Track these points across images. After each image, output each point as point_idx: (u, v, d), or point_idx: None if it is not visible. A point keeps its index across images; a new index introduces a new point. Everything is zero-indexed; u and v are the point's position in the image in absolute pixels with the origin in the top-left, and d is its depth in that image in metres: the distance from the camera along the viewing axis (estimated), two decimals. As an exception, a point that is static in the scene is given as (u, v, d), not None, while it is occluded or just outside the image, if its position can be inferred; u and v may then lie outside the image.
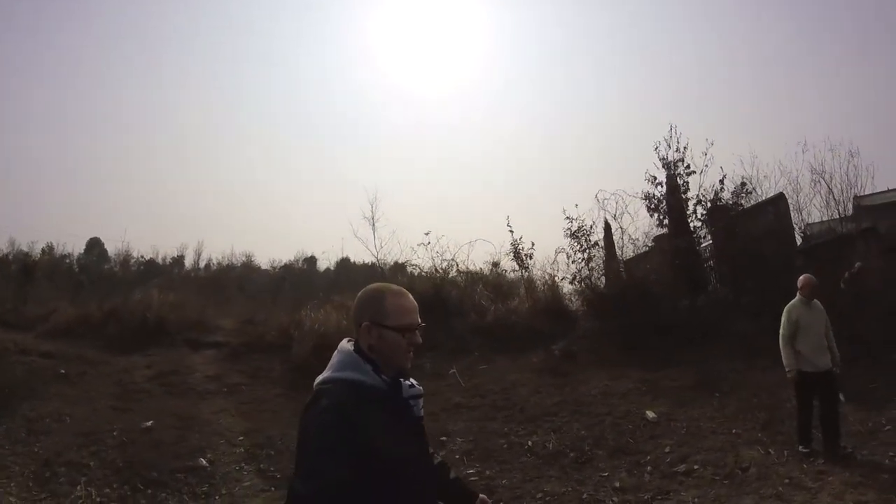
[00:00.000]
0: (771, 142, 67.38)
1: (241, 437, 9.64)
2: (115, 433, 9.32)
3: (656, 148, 15.34)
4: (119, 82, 72.74)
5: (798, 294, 8.08)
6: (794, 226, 16.12)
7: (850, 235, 14.66)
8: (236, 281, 32.92)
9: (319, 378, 2.09)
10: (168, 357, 14.31)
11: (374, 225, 17.69)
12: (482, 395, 11.17)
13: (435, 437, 8.93)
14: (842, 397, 9.67)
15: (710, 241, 15.62)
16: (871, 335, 11.58)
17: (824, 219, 16.22)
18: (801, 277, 8.14)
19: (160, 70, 76.75)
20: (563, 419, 9.78)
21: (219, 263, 36.34)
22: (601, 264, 15.52)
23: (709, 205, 15.16)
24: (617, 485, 7.46)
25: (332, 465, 1.78)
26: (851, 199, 15.80)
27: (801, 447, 7.68)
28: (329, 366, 2.10)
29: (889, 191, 50.57)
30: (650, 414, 9.53)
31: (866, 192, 15.93)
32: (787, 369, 7.85)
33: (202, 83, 78.37)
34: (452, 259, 16.99)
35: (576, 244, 14.87)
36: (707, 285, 15.31)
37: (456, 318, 14.86)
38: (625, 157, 58.75)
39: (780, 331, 7.95)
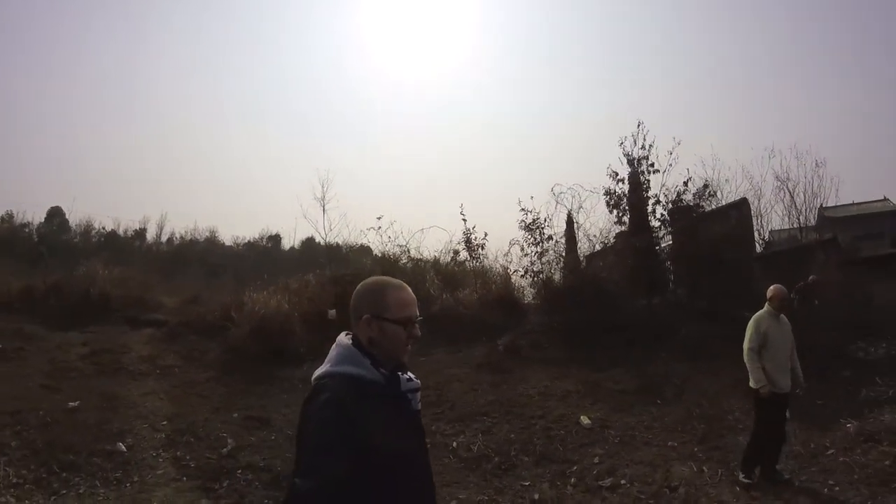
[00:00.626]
0: (737, 145, 67.82)
1: (164, 422, 9.20)
2: (40, 412, 8.90)
3: (621, 143, 14.80)
4: (97, 49, 70.96)
5: (766, 305, 7.07)
6: (756, 232, 15.73)
7: (811, 245, 14.31)
8: (199, 256, 32.06)
9: (318, 372, 2.01)
10: (106, 335, 13.82)
11: (324, 206, 17.04)
12: (413, 389, 10.48)
13: None
14: (787, 415, 9.28)
15: (670, 242, 15.15)
16: (822, 349, 11.22)
17: (785, 226, 15.83)
18: (772, 288, 7.11)
19: (140, 40, 74.73)
20: (494, 420, 9.27)
21: (181, 238, 35.60)
22: (559, 258, 14.93)
23: (670, 205, 14.68)
24: (536, 497, 6.95)
25: (332, 462, 1.74)
26: (815, 209, 15.34)
27: (741, 475, 6.93)
28: (327, 359, 2.03)
29: (854, 204, 50.99)
30: (585, 420, 8.97)
31: (829, 203, 15.50)
32: (757, 385, 6.77)
33: (182, 59, 76.53)
34: (406, 245, 16.42)
35: (530, 237, 14.31)
36: (665, 287, 14.90)
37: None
38: (591, 151, 58.31)
39: (746, 343, 6.94)
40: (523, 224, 14.25)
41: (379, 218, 15.89)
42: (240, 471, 7.47)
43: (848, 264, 14.13)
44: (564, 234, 15.77)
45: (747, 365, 6.92)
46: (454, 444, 8.43)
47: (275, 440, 8.54)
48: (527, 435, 8.66)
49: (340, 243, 18.63)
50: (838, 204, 49.89)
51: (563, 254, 14.86)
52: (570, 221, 15.88)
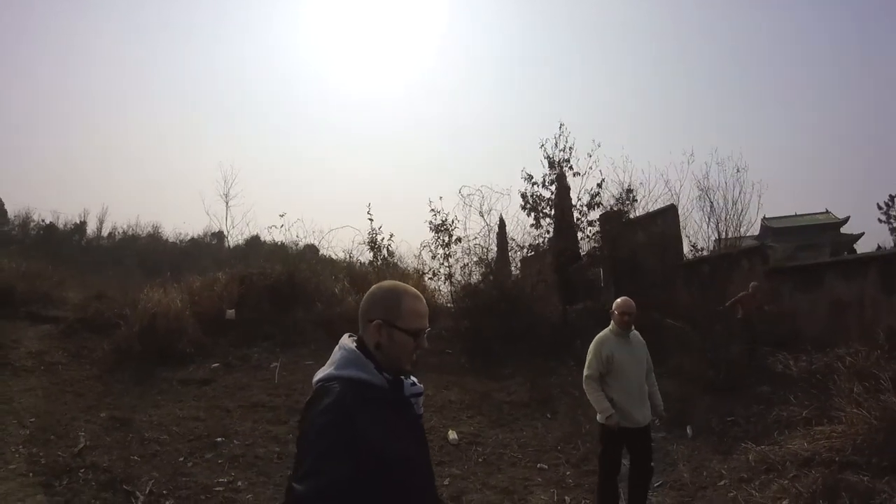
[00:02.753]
0: (657, 151, 68.15)
1: (32, 419, 8.31)
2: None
3: (542, 145, 13.90)
4: (41, 42, 68.90)
5: (612, 323, 5.41)
6: (686, 238, 14.92)
7: (735, 254, 13.46)
8: (138, 252, 30.50)
9: (321, 375, 1.90)
10: (2, 330, 12.57)
11: (227, 202, 15.96)
12: (287, 395, 9.44)
13: (211, 436, 7.68)
14: (689, 431, 8.25)
15: (594, 247, 14.38)
16: (739, 362, 10.31)
17: (705, 231, 14.98)
18: (617, 301, 5.48)
19: (78, 34, 73.08)
20: (357, 432, 7.95)
21: (123, 233, 33.66)
22: (480, 262, 13.82)
23: (585, 209, 14.06)
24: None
25: (333, 466, 1.62)
26: (736, 216, 14.50)
27: None
28: (330, 362, 1.93)
29: (797, 215, 51.31)
30: (452, 435, 7.78)
31: (749, 208, 14.59)
32: (603, 415, 5.15)
33: (123, 52, 75.02)
34: (318, 244, 15.54)
35: (438, 239, 13.24)
36: (588, 293, 13.94)
37: (302, 308, 13.08)
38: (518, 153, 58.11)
39: (585, 370, 5.34)
40: (432, 225, 13.30)
41: (282, 215, 14.91)
42: (83, 470, 6.71)
43: (774, 273, 13.22)
44: (497, 238, 15.07)
45: (588, 396, 5.29)
46: None
47: (129, 441, 7.58)
48: (383, 448, 7.43)
49: (285, 242, 17.38)
50: (782, 215, 50.91)
51: (482, 256, 13.78)
52: (502, 224, 15.10)
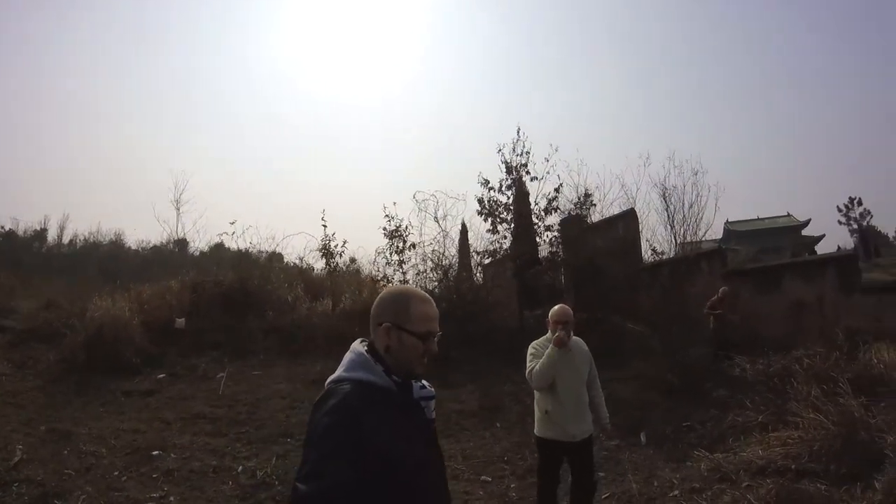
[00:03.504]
0: (613, 155, 68.91)
1: None
2: None
3: (500, 150, 13.65)
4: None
5: (549, 331, 4.86)
6: (646, 242, 14.79)
7: (694, 257, 13.28)
8: (100, 260, 29.74)
9: (331, 377, 1.88)
10: None
11: (178, 208, 15.53)
12: (230, 406, 9.07)
13: (149, 449, 7.33)
14: (643, 438, 7.98)
15: (551, 252, 14.15)
16: (697, 366, 10.09)
17: (663, 234, 14.88)
18: (554, 309, 4.88)
19: (44, 39, 71.76)
20: (297, 443, 7.59)
21: (84, 240, 32.66)
22: (437, 268, 13.50)
23: (542, 213, 13.91)
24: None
25: (337, 468, 1.59)
26: (694, 218, 14.38)
27: None
28: (340, 365, 1.90)
29: (759, 219, 52.02)
30: None
31: (706, 211, 14.48)
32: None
33: (84, 56, 73.77)
34: (274, 251, 14.91)
35: (392, 245, 12.85)
36: (549, 298, 13.70)
37: (253, 316, 12.65)
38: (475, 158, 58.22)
39: (526, 371, 4.84)
40: (386, 231, 12.89)
41: (232, 223, 14.48)
42: (16, 484, 6.46)
43: (732, 275, 13.07)
44: (459, 244, 14.96)
45: (537, 373, 4.70)
46: (240, 468, 6.98)
47: (66, 455, 7.26)
48: (327, 460, 7.08)
49: (249, 249, 16.93)
50: (745, 218, 51.54)
51: (438, 262, 13.42)
52: (464, 230, 14.83)
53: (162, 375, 10.42)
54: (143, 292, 13.67)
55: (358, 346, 1.95)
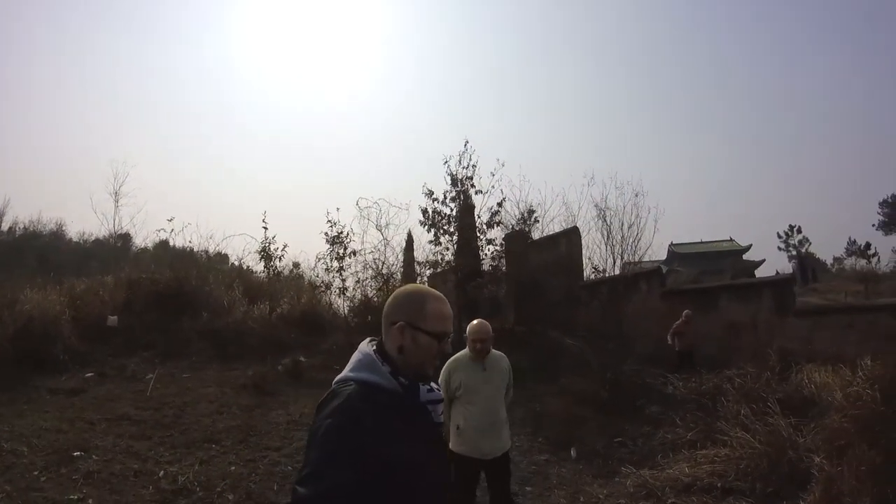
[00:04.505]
0: (556, 173, 69.92)
1: None
2: None
3: (446, 162, 13.67)
4: None
5: (467, 347, 4.69)
6: (587, 259, 14.94)
7: (634, 276, 13.44)
8: (39, 251, 28.82)
9: (337, 377, 1.87)
10: None
11: (116, 200, 15.08)
12: (156, 409, 8.77)
13: (71, 450, 7.08)
14: (573, 453, 7.98)
15: (492, 266, 14.17)
16: (630, 382, 10.32)
17: (603, 252, 15.08)
18: (471, 325, 4.71)
19: None
20: (222, 449, 7.43)
21: (24, 229, 31.79)
22: (378, 276, 13.39)
23: (484, 227, 13.93)
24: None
25: (336, 469, 1.58)
26: (633, 239, 14.61)
27: None
28: (347, 365, 1.89)
29: (702, 242, 53.20)
30: None
31: (644, 233, 14.74)
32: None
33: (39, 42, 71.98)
34: (219, 251, 14.65)
35: (332, 251, 12.72)
36: (492, 312, 13.72)
37: (188, 316, 12.35)
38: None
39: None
40: (328, 237, 12.74)
41: (170, 220, 14.13)
42: None
43: (670, 295, 13.28)
44: (404, 254, 14.79)
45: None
46: (162, 472, 6.72)
47: None
48: (249, 469, 6.91)
49: (194, 248, 16.51)
50: (689, 241, 52.63)
51: (379, 270, 13.31)
52: (410, 240, 14.74)
53: (90, 374, 10.10)
54: (77, 287, 13.33)
55: (365, 346, 1.93)
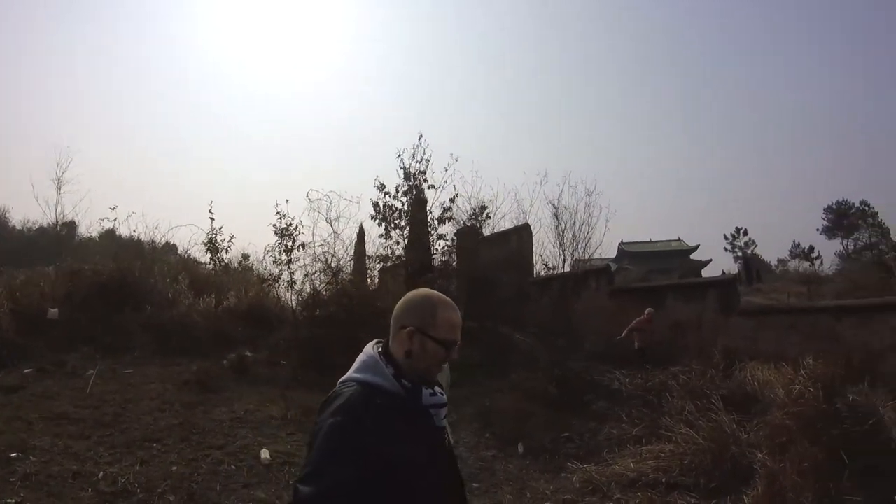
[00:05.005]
0: (509, 170, 70.49)
1: None
2: None
3: (399, 155, 13.62)
4: None
5: None
6: (539, 256, 15.03)
7: (584, 273, 13.56)
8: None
9: (341, 378, 1.91)
10: None
11: (59, 187, 14.59)
12: (96, 407, 8.44)
13: (8, 451, 6.78)
14: (520, 448, 8.05)
15: (442, 261, 14.27)
16: (578, 378, 10.33)
17: (553, 250, 15.15)
18: None
19: None
20: (163, 448, 7.23)
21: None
22: (327, 269, 13.18)
23: (435, 222, 13.96)
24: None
25: (337, 469, 1.61)
26: (585, 237, 14.70)
27: None
28: (352, 367, 1.91)
29: (651, 241, 54.26)
30: (265, 454, 7.05)
31: (596, 231, 14.82)
32: None
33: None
34: (168, 241, 14.29)
35: (281, 244, 12.43)
36: None
37: (131, 309, 12.03)
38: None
39: None
40: (276, 229, 12.42)
41: (113, 208, 13.73)
42: None
43: (618, 293, 13.43)
44: (356, 247, 14.73)
45: None
46: (101, 473, 6.50)
47: None
48: (191, 468, 6.75)
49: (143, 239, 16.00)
50: (639, 240, 53.62)
51: (328, 264, 13.13)
52: (361, 233, 14.63)
53: (29, 370, 9.70)
54: (16, 278, 12.92)
55: (371, 348, 1.94)
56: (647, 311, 11.74)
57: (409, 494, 1.72)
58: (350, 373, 1.88)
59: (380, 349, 1.93)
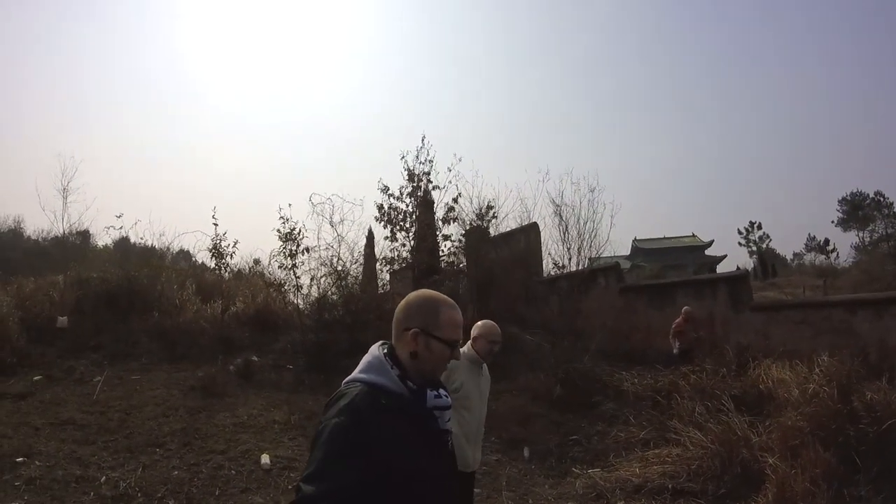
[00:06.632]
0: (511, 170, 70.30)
1: None
2: None
3: (403, 157, 13.62)
4: None
5: (467, 346, 4.16)
6: (548, 255, 14.91)
7: (592, 271, 13.41)
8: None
9: (346, 378, 1.90)
10: None
11: (65, 197, 14.49)
12: (102, 412, 8.44)
13: (14, 456, 6.87)
14: (526, 453, 7.92)
15: (448, 262, 14.30)
16: (586, 379, 10.18)
17: (559, 248, 15.02)
18: (487, 325, 4.20)
19: None
20: (166, 453, 7.24)
21: (-16, 227, 30.88)
22: (333, 273, 13.08)
23: (440, 223, 13.89)
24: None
25: (339, 469, 1.61)
26: (590, 235, 14.56)
27: None
28: (357, 367, 1.90)
29: (665, 238, 53.98)
30: (265, 459, 6.98)
31: (601, 227, 14.66)
32: None
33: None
34: (172, 248, 14.25)
35: (285, 248, 12.33)
36: None
37: (139, 316, 12.02)
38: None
39: None
40: (280, 234, 12.30)
41: (119, 216, 13.65)
42: None
43: (627, 291, 13.28)
44: (365, 250, 14.64)
45: None
46: (104, 478, 6.51)
47: None
48: (191, 473, 6.75)
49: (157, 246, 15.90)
50: (652, 237, 53.42)
51: (334, 267, 13.02)
52: (370, 237, 14.57)
53: (38, 377, 9.69)
54: (26, 286, 12.94)
55: (376, 349, 1.93)
56: (683, 311, 11.38)
57: (412, 496, 1.72)
58: (355, 373, 1.88)
59: (385, 350, 1.92)
